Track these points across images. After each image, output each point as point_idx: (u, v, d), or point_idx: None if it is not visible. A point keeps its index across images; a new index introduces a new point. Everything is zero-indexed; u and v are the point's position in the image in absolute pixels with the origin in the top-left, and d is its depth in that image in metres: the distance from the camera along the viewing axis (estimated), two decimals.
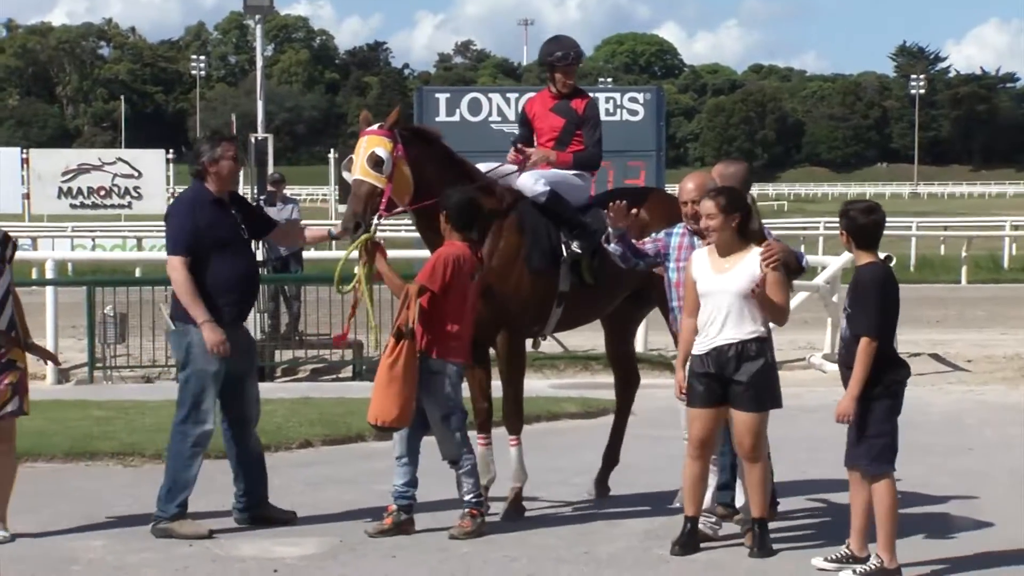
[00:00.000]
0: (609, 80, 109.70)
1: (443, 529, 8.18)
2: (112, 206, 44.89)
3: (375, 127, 8.33)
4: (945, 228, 44.12)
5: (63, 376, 15.86)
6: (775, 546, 7.63)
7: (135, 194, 44.71)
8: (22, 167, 45.39)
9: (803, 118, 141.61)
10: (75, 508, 8.82)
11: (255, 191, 25.45)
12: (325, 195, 66.97)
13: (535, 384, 14.57)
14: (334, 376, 16.56)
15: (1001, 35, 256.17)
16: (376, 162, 8.16)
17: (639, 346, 17.21)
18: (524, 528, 8.23)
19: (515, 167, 8.91)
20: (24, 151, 48.05)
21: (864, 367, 7.03)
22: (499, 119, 26.08)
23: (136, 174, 44.77)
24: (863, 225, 7.17)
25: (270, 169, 25.08)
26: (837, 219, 7.43)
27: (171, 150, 53.60)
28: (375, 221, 8.22)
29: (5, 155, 47.62)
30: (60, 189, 44.72)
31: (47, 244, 33.18)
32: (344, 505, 8.63)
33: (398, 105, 8.75)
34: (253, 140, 25.90)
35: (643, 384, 15.04)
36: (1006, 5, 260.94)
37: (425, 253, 8.69)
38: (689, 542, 7.60)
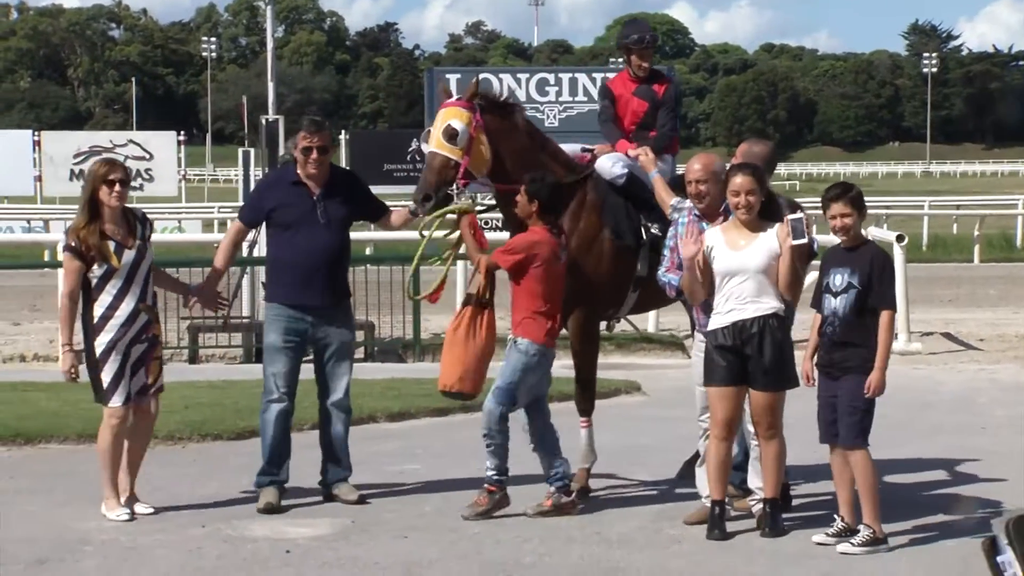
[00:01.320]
0: (620, 60, 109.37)
1: (454, 509, 8.20)
2: None
3: (454, 99, 8.33)
4: (957, 207, 44.02)
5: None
6: (787, 525, 7.64)
7: (146, 176, 44.60)
8: (34, 149, 45.38)
9: (815, 97, 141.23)
10: (88, 490, 8.82)
11: (266, 172, 25.45)
12: None
13: None
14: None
15: (1014, 13, 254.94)
16: (451, 135, 8.16)
17: (650, 326, 17.23)
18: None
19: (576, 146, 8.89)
20: (36, 133, 48.02)
21: (890, 338, 7.29)
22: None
23: (147, 156, 44.67)
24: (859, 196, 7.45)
25: (281, 151, 25.09)
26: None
27: (182, 132, 53.43)
28: (454, 191, 8.23)
29: (17, 137, 47.57)
30: (72, 171, 44.61)
31: (59, 226, 33.17)
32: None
33: (476, 77, 8.74)
34: (264, 122, 25.91)
35: (654, 364, 15.14)
36: None
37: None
38: (724, 525, 7.58)
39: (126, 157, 44.23)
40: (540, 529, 7.80)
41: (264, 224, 8.94)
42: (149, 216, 8.40)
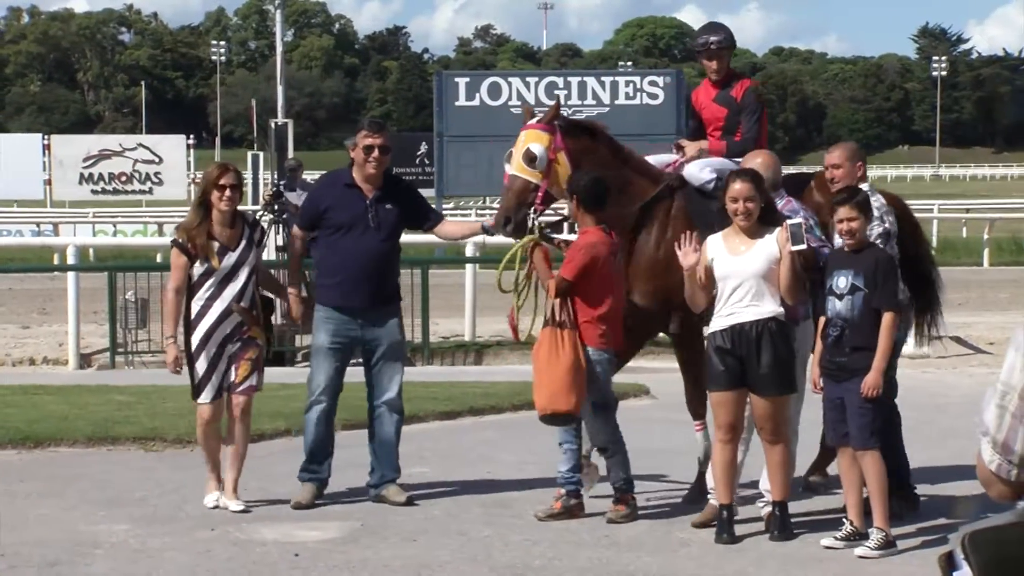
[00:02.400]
0: (629, 64, 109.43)
1: (463, 512, 8.21)
2: (133, 192, 45.05)
3: (534, 121, 8.30)
4: (967, 211, 43.89)
5: (85, 361, 15.92)
6: (795, 529, 7.63)
7: (156, 180, 44.86)
8: (43, 153, 45.56)
9: (824, 101, 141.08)
10: (97, 493, 8.86)
11: (275, 176, 25.50)
12: None
13: None
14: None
15: None
16: (531, 158, 8.15)
17: None
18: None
19: (676, 156, 8.81)
20: (46, 137, 48.24)
21: (890, 340, 7.26)
22: (519, 103, 26.03)
23: (157, 160, 44.92)
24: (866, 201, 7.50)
25: (290, 154, 25.09)
26: None
27: (191, 136, 53.69)
28: (532, 217, 8.12)
29: (27, 141, 47.84)
30: (81, 175, 44.87)
31: (68, 230, 33.28)
32: (362, 490, 8.63)
33: (557, 99, 8.76)
34: (273, 125, 25.92)
35: (662, 368, 15.10)
36: None
37: None
38: (732, 529, 7.57)
39: (136, 161, 44.58)
40: (549, 532, 7.80)
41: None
42: (253, 219, 8.72)
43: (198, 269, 8.20)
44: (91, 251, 28.04)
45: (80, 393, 12.52)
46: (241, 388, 8.33)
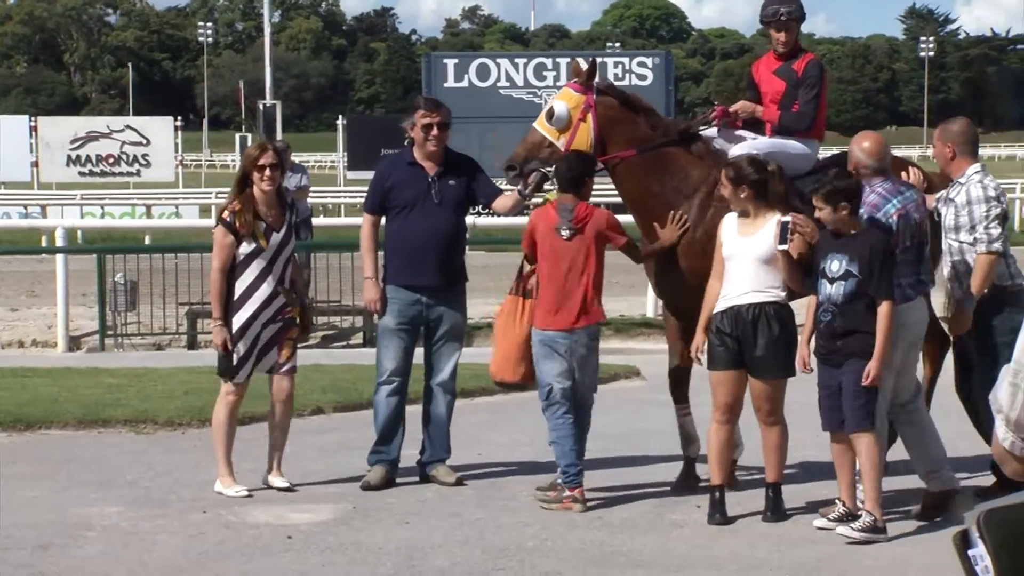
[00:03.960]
0: (617, 45, 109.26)
1: (456, 495, 8.21)
2: (120, 174, 44.84)
3: (574, 80, 8.31)
4: None
5: (74, 344, 15.90)
6: (788, 510, 7.64)
7: (143, 162, 44.66)
8: (30, 135, 45.34)
9: None
10: (89, 475, 8.84)
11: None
12: (333, 162, 66.88)
13: None
14: (344, 343, 16.58)
15: None
16: (550, 115, 8.17)
17: (649, 311, 17.23)
18: (538, 495, 8.22)
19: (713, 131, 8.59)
20: (32, 119, 48.01)
21: (888, 329, 7.18)
22: (507, 84, 26.05)
23: (144, 142, 44.72)
24: (844, 189, 7.29)
25: (278, 136, 25.01)
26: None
27: (179, 118, 53.43)
28: (543, 171, 8.13)
29: (13, 123, 47.59)
30: (68, 157, 44.67)
31: (56, 212, 33.17)
32: (357, 472, 8.63)
33: (593, 59, 8.67)
34: (261, 107, 25.84)
35: (653, 349, 15.12)
36: None
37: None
38: (724, 509, 7.58)
39: (123, 143, 44.42)
40: (542, 514, 7.80)
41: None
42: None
43: (244, 249, 8.18)
44: (79, 233, 27.94)
45: (70, 376, 12.49)
46: (284, 369, 8.36)
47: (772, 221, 7.46)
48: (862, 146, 7.61)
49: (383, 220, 8.68)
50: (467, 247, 15.79)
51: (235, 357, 8.22)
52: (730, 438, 7.69)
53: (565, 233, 7.87)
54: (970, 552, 2.89)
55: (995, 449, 3.00)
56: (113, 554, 7.12)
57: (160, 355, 15.21)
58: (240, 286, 8.19)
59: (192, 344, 16.15)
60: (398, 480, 8.58)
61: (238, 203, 8.19)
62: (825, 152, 9.08)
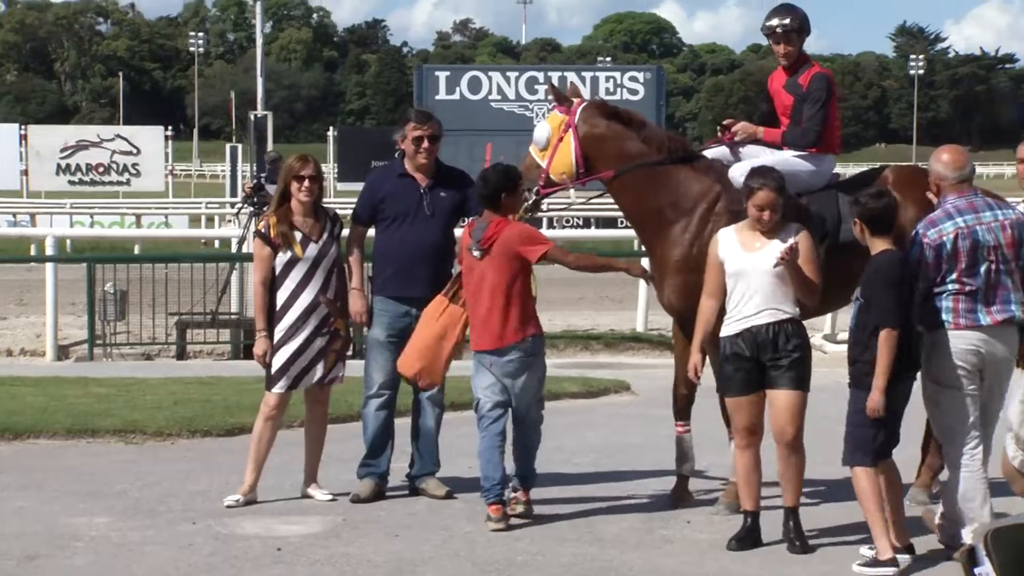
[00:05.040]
0: (608, 59, 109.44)
1: (446, 507, 8.20)
2: (110, 183, 44.83)
3: (556, 102, 8.40)
4: None
5: (63, 353, 15.86)
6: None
7: (133, 171, 44.66)
8: (20, 143, 45.27)
9: None
10: (77, 485, 8.81)
11: (254, 168, 25.43)
12: (324, 173, 66.89)
13: None
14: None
15: (1002, 15, 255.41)
16: (534, 137, 8.29)
17: (639, 326, 17.24)
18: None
19: (726, 148, 8.49)
20: (22, 127, 47.95)
21: (887, 358, 6.78)
22: (499, 97, 26.08)
23: (134, 151, 44.72)
24: (874, 210, 6.97)
25: (269, 146, 24.97)
26: None
27: (169, 127, 53.39)
28: (531, 195, 8.18)
29: (3, 131, 47.53)
30: (58, 165, 44.65)
31: (45, 221, 33.10)
32: (346, 484, 8.61)
33: (561, 85, 8.72)
34: (253, 117, 25.82)
35: (643, 364, 15.14)
36: None
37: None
38: (747, 537, 7.36)
39: (113, 152, 44.38)
40: (532, 528, 7.79)
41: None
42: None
43: (282, 259, 8.25)
44: (68, 242, 27.93)
45: (59, 385, 12.45)
46: (328, 379, 8.42)
47: (785, 235, 7.28)
48: (941, 158, 7.24)
49: (370, 231, 8.69)
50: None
51: (273, 367, 8.25)
52: (756, 462, 7.41)
53: (476, 253, 7.87)
54: (977, 570, 2.90)
55: (1004, 468, 3.00)
56: (101, 565, 7.10)
57: (149, 365, 15.17)
58: (281, 296, 8.28)
59: (181, 354, 16.11)
60: (388, 493, 8.57)
61: (273, 215, 8.29)
62: (836, 168, 8.87)
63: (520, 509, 7.99)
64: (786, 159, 8.22)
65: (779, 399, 7.27)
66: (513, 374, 7.85)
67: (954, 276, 6.98)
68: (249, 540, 7.53)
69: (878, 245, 7.01)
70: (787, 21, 8.42)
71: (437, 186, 8.54)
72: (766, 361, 7.24)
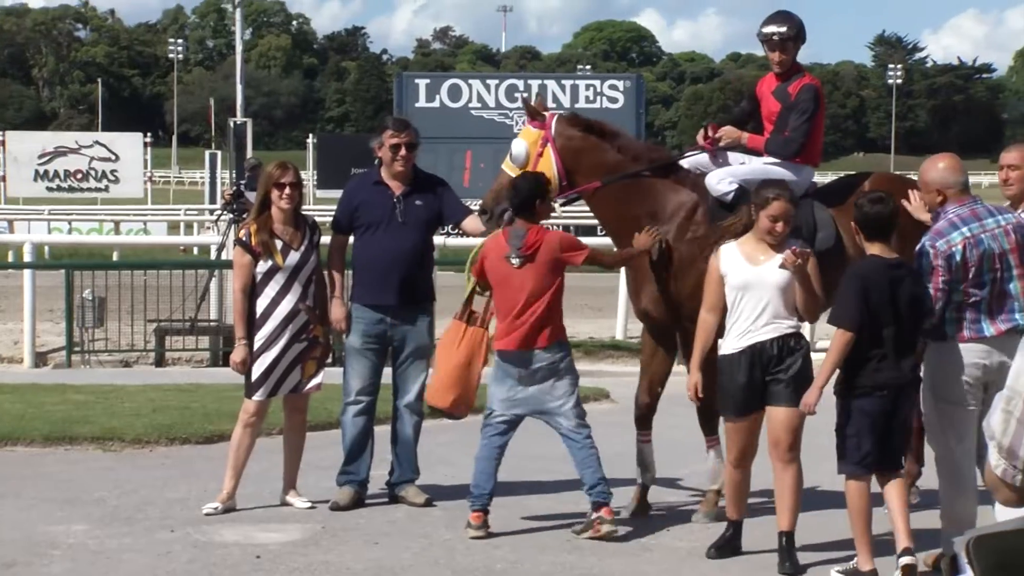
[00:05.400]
0: (588, 67, 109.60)
1: (425, 515, 8.19)
2: (89, 189, 44.72)
3: (529, 118, 8.37)
4: None
5: (41, 360, 15.79)
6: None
7: (112, 177, 44.54)
8: None
9: None
10: (55, 493, 8.78)
11: (233, 175, 25.39)
12: (303, 180, 66.93)
13: None
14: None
15: (979, 25, 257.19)
16: (511, 154, 8.24)
17: (618, 333, 17.25)
18: (507, 516, 8.21)
19: (706, 155, 8.49)
20: (0, 133, 47.78)
21: (833, 359, 6.73)
22: (479, 105, 26.07)
23: (113, 157, 44.62)
24: (867, 214, 6.86)
25: (249, 153, 24.95)
26: None
27: (148, 134, 53.28)
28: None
29: None
30: (36, 172, 44.50)
31: (23, 227, 33.00)
32: (325, 492, 8.60)
33: (538, 97, 8.72)
34: (232, 124, 25.74)
35: (622, 372, 15.13)
36: None
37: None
38: (727, 546, 7.36)
39: (92, 158, 44.25)
40: (512, 536, 7.80)
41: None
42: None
43: (262, 267, 8.24)
44: (46, 249, 27.83)
45: (36, 392, 12.41)
46: (308, 387, 8.42)
47: (783, 247, 7.09)
48: (938, 166, 7.07)
49: (351, 239, 8.69)
50: (436, 267, 15.82)
51: (253, 375, 8.23)
52: (746, 478, 7.37)
53: (515, 261, 7.78)
54: None
55: (987, 477, 3.01)
56: (79, 573, 7.08)
57: (127, 372, 15.12)
58: (261, 304, 8.27)
59: (160, 361, 16.04)
60: (367, 500, 8.56)
61: (254, 222, 8.26)
62: (815, 176, 8.90)
63: (606, 529, 7.70)
64: (763, 168, 8.24)
65: (779, 415, 7.08)
66: (545, 375, 7.81)
67: (960, 287, 6.86)
68: (228, 548, 7.51)
69: (870, 250, 6.92)
70: (783, 29, 8.39)
71: (412, 194, 8.54)
72: (768, 375, 7.08)
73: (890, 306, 6.76)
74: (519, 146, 8.26)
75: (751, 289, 7.11)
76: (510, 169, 8.25)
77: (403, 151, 8.50)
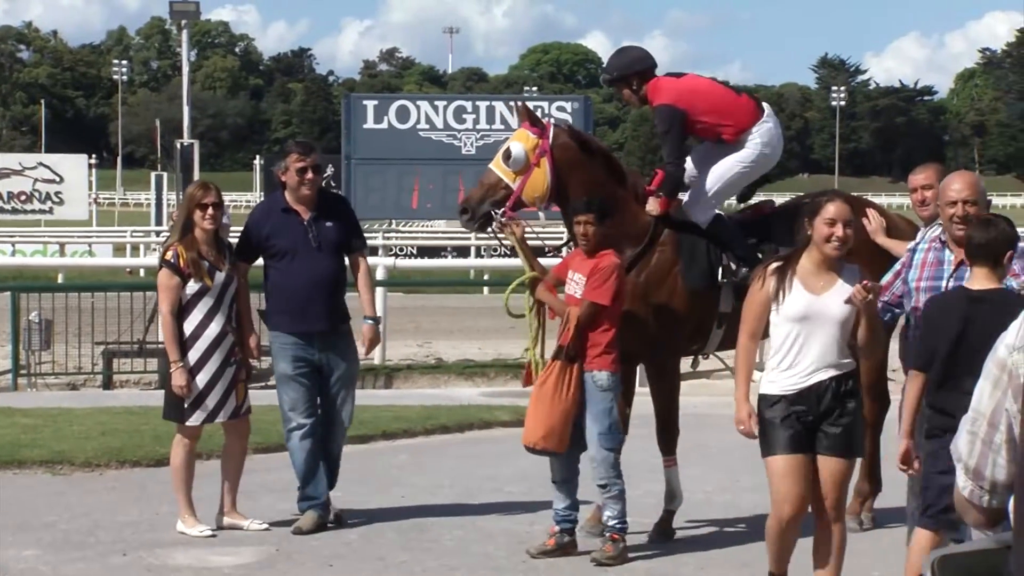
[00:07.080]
0: (535, 89, 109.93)
1: (379, 537, 8.16)
2: (33, 211, 44.33)
3: (528, 122, 8.25)
4: None
5: None
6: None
7: (56, 199, 44.16)
8: None
9: None
10: (4, 518, 8.68)
11: (180, 196, 25.26)
12: (249, 201, 66.58)
13: (466, 392, 14.55)
14: (263, 383, 16.40)
15: (920, 49, 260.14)
16: (507, 156, 8.11)
17: None
18: (463, 537, 8.20)
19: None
20: None
21: (910, 403, 6.05)
22: (427, 126, 26.07)
23: (57, 179, 44.24)
24: (974, 240, 5.90)
25: (196, 175, 24.89)
26: None
27: (93, 155, 52.95)
28: (497, 217, 8.02)
29: None
30: None
31: None
32: (279, 514, 8.56)
33: (520, 103, 8.64)
34: (179, 146, 25.64)
35: None
36: (925, 19, 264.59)
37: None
38: None
39: (36, 180, 43.88)
40: (467, 557, 7.78)
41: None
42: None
43: (190, 289, 8.14)
44: None
45: None
46: (243, 411, 8.37)
47: (847, 275, 6.30)
48: (953, 187, 6.29)
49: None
50: (384, 288, 15.82)
51: (187, 398, 8.14)
52: (795, 538, 6.42)
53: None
54: None
55: (956, 499, 3.04)
56: None
57: (75, 395, 14.97)
58: (189, 326, 8.17)
59: (107, 384, 15.90)
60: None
61: (179, 244, 8.16)
62: (759, 197, 9.01)
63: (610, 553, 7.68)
64: (723, 178, 8.36)
65: (830, 466, 6.30)
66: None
67: None
68: (181, 571, 7.46)
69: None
70: (609, 75, 8.56)
71: (321, 218, 8.47)
72: (825, 419, 6.26)
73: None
74: (518, 149, 8.11)
75: (810, 322, 6.25)
76: (500, 170, 8.12)
77: (309, 174, 8.39)
